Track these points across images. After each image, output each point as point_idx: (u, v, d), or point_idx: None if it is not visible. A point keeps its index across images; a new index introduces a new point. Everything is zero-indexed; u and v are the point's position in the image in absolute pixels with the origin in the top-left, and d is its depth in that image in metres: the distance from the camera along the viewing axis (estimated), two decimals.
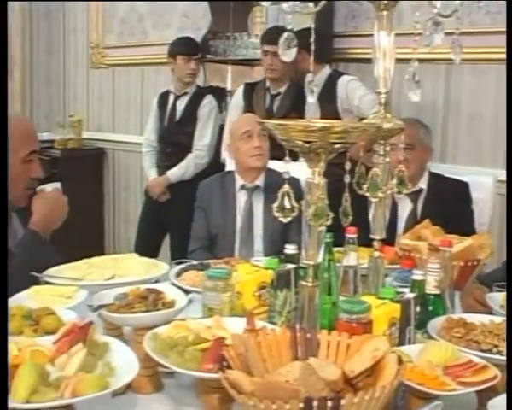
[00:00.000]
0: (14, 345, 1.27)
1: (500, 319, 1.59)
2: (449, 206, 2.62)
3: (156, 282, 1.88)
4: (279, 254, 1.82)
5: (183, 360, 1.33)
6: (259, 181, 2.75)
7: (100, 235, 5.52)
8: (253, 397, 1.05)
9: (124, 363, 1.29)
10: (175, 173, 4.02)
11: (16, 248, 2.00)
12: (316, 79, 1.74)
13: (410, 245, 2.16)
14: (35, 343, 1.32)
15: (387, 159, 1.70)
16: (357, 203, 1.57)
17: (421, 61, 1.63)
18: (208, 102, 4.07)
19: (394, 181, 1.73)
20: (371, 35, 1.67)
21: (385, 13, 1.64)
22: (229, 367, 1.17)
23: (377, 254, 1.73)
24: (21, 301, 1.64)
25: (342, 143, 1.35)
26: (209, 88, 4.42)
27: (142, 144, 4.27)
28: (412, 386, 1.27)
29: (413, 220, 2.64)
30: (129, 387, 1.37)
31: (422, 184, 2.77)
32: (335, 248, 1.69)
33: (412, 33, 1.60)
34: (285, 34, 1.43)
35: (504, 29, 2.53)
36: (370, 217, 1.78)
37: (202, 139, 4.03)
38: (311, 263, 1.41)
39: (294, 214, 1.38)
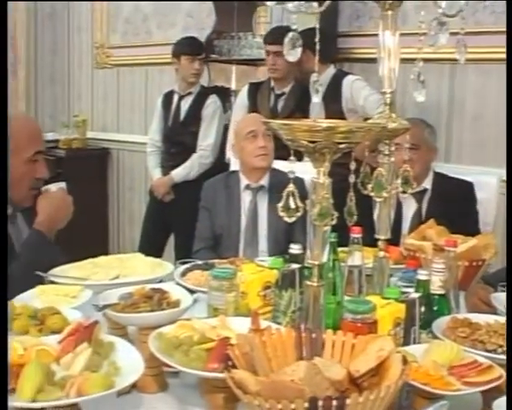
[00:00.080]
0: (19, 344, 1.28)
1: (505, 319, 1.58)
2: (454, 206, 2.61)
3: (161, 282, 1.88)
4: (284, 254, 1.81)
5: (188, 359, 1.33)
6: (264, 181, 2.75)
7: (104, 235, 5.51)
8: (259, 397, 1.05)
9: (129, 362, 1.29)
10: (179, 173, 4.01)
11: (21, 248, 2.01)
12: (320, 79, 1.74)
13: (414, 245, 2.16)
14: (40, 343, 1.32)
15: (392, 159, 1.71)
16: (361, 203, 1.58)
17: (425, 60, 1.63)
18: (212, 101, 4.06)
19: (399, 181, 1.73)
20: (376, 35, 1.67)
21: (390, 12, 1.64)
22: (234, 367, 1.17)
23: (382, 254, 1.73)
24: (27, 300, 1.64)
25: (347, 142, 1.35)
26: (213, 88, 4.41)
27: (147, 144, 4.27)
28: (417, 386, 1.27)
29: (418, 220, 2.64)
30: (134, 386, 1.37)
31: (427, 184, 2.77)
32: (340, 248, 1.69)
33: (417, 33, 1.61)
34: (290, 34, 1.43)
35: None
36: (375, 217, 1.78)
37: (206, 139, 4.02)
38: (316, 263, 1.41)
39: (299, 214, 1.38)
